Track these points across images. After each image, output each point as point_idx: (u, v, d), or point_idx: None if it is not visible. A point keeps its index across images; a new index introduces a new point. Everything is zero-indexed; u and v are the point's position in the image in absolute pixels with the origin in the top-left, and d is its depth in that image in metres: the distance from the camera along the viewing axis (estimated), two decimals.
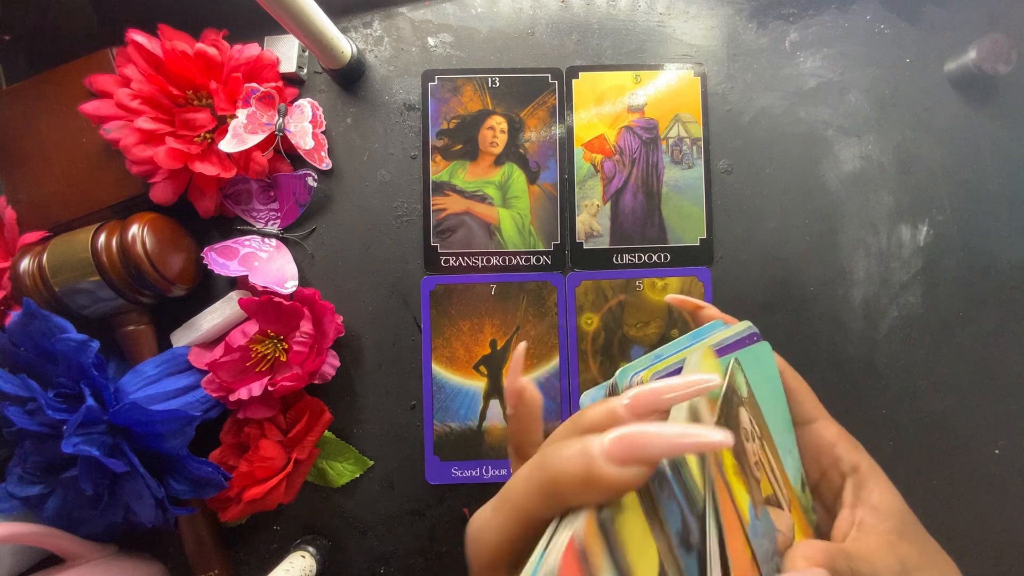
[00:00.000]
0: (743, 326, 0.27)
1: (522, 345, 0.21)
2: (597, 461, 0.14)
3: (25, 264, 0.39)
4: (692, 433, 0.14)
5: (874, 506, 0.22)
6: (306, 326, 0.40)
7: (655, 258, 0.45)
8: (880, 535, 0.21)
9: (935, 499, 0.44)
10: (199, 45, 0.41)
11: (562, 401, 0.44)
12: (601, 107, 0.46)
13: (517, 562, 0.15)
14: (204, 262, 0.42)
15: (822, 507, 0.25)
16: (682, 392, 0.16)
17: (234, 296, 0.42)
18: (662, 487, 0.16)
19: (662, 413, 0.16)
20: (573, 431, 0.16)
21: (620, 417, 0.16)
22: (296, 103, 0.44)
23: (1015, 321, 0.45)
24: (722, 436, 0.14)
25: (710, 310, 0.29)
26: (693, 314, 0.31)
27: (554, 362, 0.44)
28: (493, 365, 0.44)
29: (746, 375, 0.24)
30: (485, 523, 0.16)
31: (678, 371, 0.23)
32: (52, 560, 0.40)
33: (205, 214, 0.43)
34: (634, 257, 0.45)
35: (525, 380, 0.20)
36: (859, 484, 0.23)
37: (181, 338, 0.42)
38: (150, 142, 0.40)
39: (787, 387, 0.27)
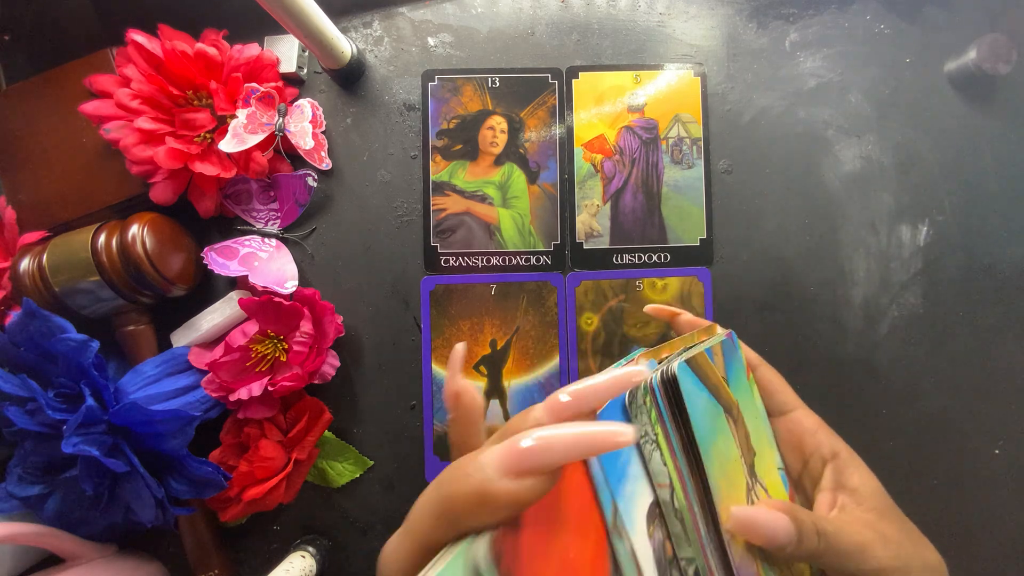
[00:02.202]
0: (719, 335, 0.27)
1: (460, 346, 0.21)
2: (490, 478, 0.12)
3: (25, 264, 0.39)
4: (593, 432, 0.13)
5: (854, 488, 0.23)
6: (306, 326, 0.40)
7: (655, 258, 0.45)
8: (861, 515, 0.22)
9: (935, 499, 0.44)
10: (199, 45, 0.41)
11: None
12: (601, 107, 0.46)
13: None
14: (204, 262, 0.42)
15: (804, 499, 0.25)
16: (605, 388, 0.15)
17: (234, 296, 0.42)
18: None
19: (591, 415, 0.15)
20: (501, 440, 0.15)
21: (540, 423, 0.14)
22: (296, 103, 0.44)
23: (1015, 321, 0.45)
24: (626, 433, 0.13)
25: (685, 316, 0.29)
26: (671, 322, 0.31)
27: (554, 362, 0.44)
28: (493, 365, 0.44)
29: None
30: (393, 551, 0.14)
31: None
32: (52, 560, 0.40)
33: (205, 214, 0.43)
34: (634, 257, 0.45)
35: (464, 382, 0.19)
36: (839, 469, 0.24)
37: (181, 338, 0.42)
38: (150, 142, 0.40)
39: (763, 379, 0.27)
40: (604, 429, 0.13)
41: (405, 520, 0.15)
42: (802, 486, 0.25)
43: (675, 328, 0.30)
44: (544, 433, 0.13)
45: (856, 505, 0.22)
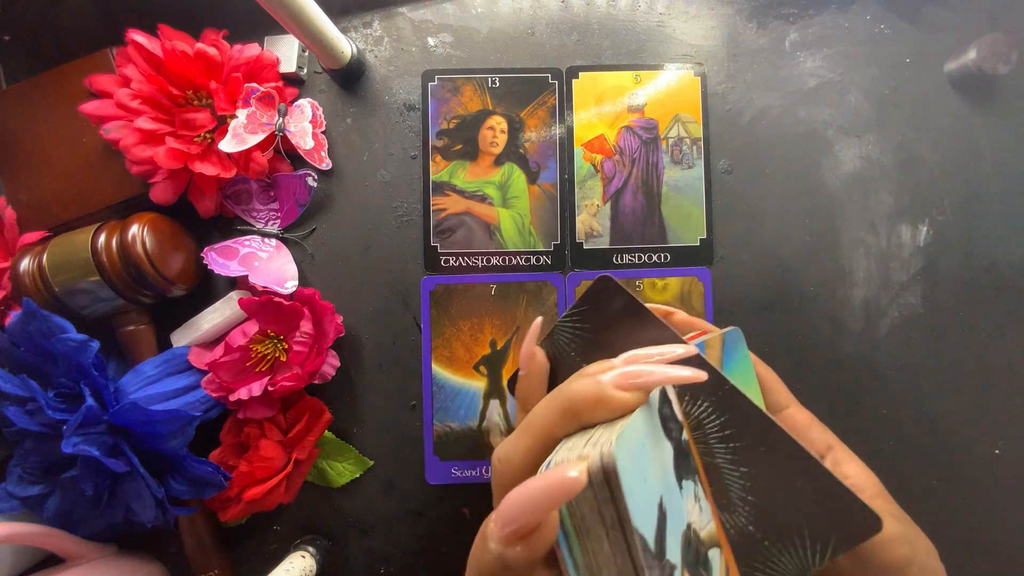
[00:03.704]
0: (722, 332, 0.27)
1: (538, 319, 0.24)
2: (607, 387, 0.17)
3: (25, 264, 0.39)
4: (679, 373, 0.18)
5: (852, 478, 0.24)
6: (306, 326, 0.40)
7: (655, 258, 0.45)
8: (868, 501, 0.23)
9: (935, 499, 0.44)
10: (199, 45, 0.41)
11: None
12: (601, 107, 0.46)
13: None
14: (204, 262, 0.42)
15: None
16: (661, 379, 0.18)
17: (234, 296, 0.42)
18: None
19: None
20: (562, 386, 0.19)
21: (605, 390, 0.18)
22: (296, 103, 0.44)
23: (1015, 321, 0.45)
24: (702, 373, 0.18)
25: (680, 315, 0.29)
26: (664, 321, 0.31)
27: None
28: (493, 365, 0.44)
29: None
30: (511, 448, 0.19)
31: None
32: (52, 560, 0.40)
33: (205, 214, 0.43)
34: (634, 257, 0.45)
35: (538, 347, 0.24)
36: (836, 462, 0.25)
37: (181, 338, 0.42)
38: (150, 142, 0.41)
39: (758, 377, 0.28)
40: (689, 371, 0.18)
41: (521, 426, 0.19)
42: None
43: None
44: (648, 367, 0.18)
45: (858, 493, 0.23)
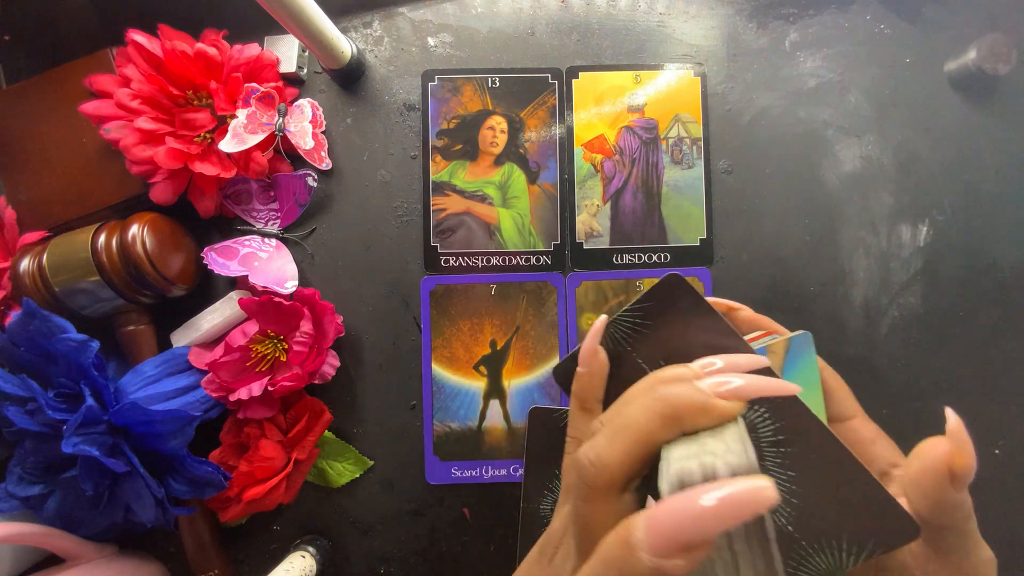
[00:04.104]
0: (788, 336, 0.27)
1: (603, 317, 0.24)
2: (710, 396, 0.17)
3: (25, 264, 0.39)
4: (774, 385, 0.18)
5: None
6: (306, 326, 0.40)
7: (655, 258, 0.45)
8: None
9: None
10: (199, 45, 0.41)
11: (562, 401, 0.44)
12: (601, 107, 0.46)
13: (629, 482, 0.18)
14: (204, 262, 0.42)
15: None
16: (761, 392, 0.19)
17: (234, 296, 0.42)
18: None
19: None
20: (654, 389, 0.19)
21: (703, 397, 0.18)
22: (296, 103, 0.44)
23: (1015, 321, 0.45)
24: (795, 387, 0.18)
25: (746, 312, 0.28)
26: (727, 316, 0.30)
27: (554, 362, 0.44)
28: (493, 365, 0.44)
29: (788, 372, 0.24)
30: (604, 451, 0.18)
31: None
32: (52, 560, 0.40)
33: (205, 214, 0.43)
34: (634, 257, 0.45)
35: (599, 346, 0.24)
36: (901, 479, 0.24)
37: (181, 338, 0.42)
38: (150, 142, 0.41)
39: (824, 384, 0.27)
40: (783, 384, 0.18)
41: (614, 429, 0.18)
42: None
43: (733, 324, 0.29)
44: (745, 380, 0.18)
45: None
